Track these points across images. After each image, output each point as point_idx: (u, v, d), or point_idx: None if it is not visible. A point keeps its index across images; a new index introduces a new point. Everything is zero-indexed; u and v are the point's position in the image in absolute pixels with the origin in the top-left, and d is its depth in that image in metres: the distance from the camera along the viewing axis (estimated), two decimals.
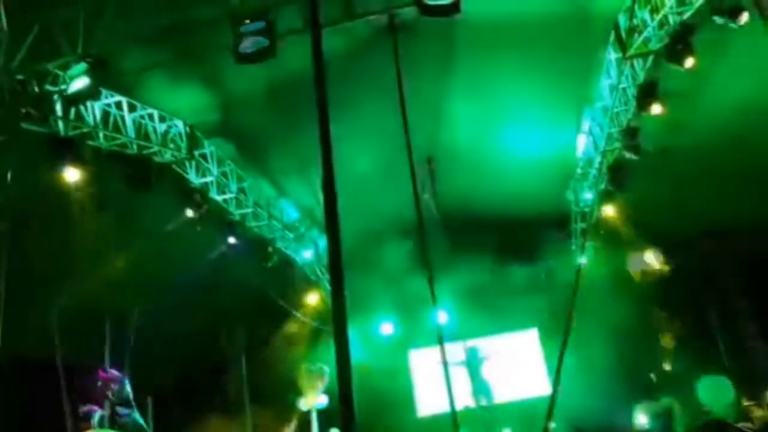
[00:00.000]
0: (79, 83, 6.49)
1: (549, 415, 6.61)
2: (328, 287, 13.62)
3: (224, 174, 10.11)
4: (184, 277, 10.89)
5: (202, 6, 6.76)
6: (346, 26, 6.78)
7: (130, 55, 7.12)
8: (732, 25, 7.10)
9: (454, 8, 6.27)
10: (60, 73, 6.85)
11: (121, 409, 7.83)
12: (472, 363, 11.91)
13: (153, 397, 9.41)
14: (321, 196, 2.36)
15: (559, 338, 13.95)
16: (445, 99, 9.83)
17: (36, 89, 6.87)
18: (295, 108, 7.25)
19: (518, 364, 14.41)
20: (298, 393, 10.99)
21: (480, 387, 11.78)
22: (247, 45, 6.14)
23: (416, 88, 7.43)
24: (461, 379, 11.65)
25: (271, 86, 8.29)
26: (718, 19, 7.14)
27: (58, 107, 7.24)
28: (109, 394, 7.81)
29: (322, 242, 13.06)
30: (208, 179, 9.75)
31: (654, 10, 7.75)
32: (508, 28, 8.28)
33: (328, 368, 10.53)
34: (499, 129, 10.73)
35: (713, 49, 8.02)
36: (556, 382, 7.40)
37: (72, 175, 7.22)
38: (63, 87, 6.81)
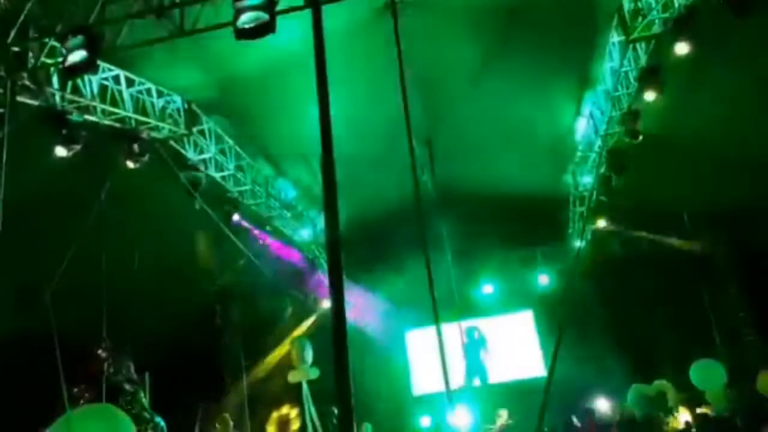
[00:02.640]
0: (76, 56, 6.40)
1: (545, 397, 6.67)
2: (325, 266, 13.68)
3: (222, 151, 10.06)
4: (179, 252, 10.91)
5: None
6: (346, 4, 6.67)
7: (129, 30, 7.03)
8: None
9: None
10: (56, 45, 6.77)
11: (123, 384, 7.89)
12: (472, 344, 11.99)
13: (151, 373, 9.50)
14: (320, 176, 2.35)
15: (554, 320, 14.12)
16: (445, 79, 9.75)
17: (32, 61, 6.79)
18: (295, 86, 7.19)
19: (513, 345, 14.52)
20: (290, 366, 11.15)
21: (476, 368, 11.88)
22: (246, 20, 6.05)
23: (416, 67, 7.36)
24: (457, 360, 11.75)
25: (271, 64, 8.21)
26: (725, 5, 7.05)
27: (55, 80, 7.17)
28: (106, 370, 7.87)
29: (320, 221, 13.07)
30: (206, 156, 9.71)
31: None
32: (510, 10, 8.19)
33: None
34: (498, 111, 10.67)
35: (716, 34, 7.95)
36: (552, 365, 7.45)
37: (63, 151, 7.15)
38: (59, 59, 6.74)
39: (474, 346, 12.10)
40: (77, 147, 7.18)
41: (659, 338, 12.80)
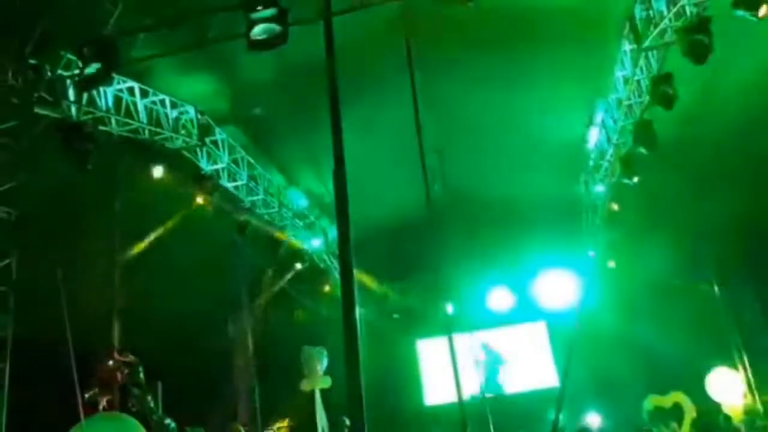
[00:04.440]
0: (92, 68, 6.51)
1: (558, 408, 6.61)
2: (337, 276, 13.70)
3: (235, 161, 10.13)
4: (193, 261, 10.96)
5: None
6: (358, 16, 6.72)
7: (143, 42, 7.13)
8: (752, 17, 6.96)
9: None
10: (72, 57, 6.87)
11: (135, 391, 7.94)
12: (490, 362, 11.93)
13: (163, 383, 9.55)
14: (331, 186, 2.36)
15: (568, 330, 14.01)
16: (457, 90, 9.77)
17: (49, 74, 6.90)
18: (306, 97, 7.24)
19: (527, 355, 14.43)
20: (302, 374, 11.13)
21: (492, 384, 11.80)
22: (259, 31, 6.12)
23: (427, 79, 7.38)
24: (469, 371, 11.70)
25: (283, 75, 8.28)
26: (738, 12, 7.01)
27: (71, 92, 7.27)
28: (120, 377, 7.91)
29: (332, 231, 13.11)
30: (219, 166, 9.78)
31: (671, 1, 7.64)
32: (522, 20, 8.20)
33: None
34: (511, 120, 10.67)
35: (729, 41, 7.90)
36: (564, 376, 7.39)
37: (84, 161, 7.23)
38: (76, 71, 6.84)
39: (490, 361, 12.04)
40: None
41: (674, 347, 12.65)
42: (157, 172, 8.51)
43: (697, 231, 12.64)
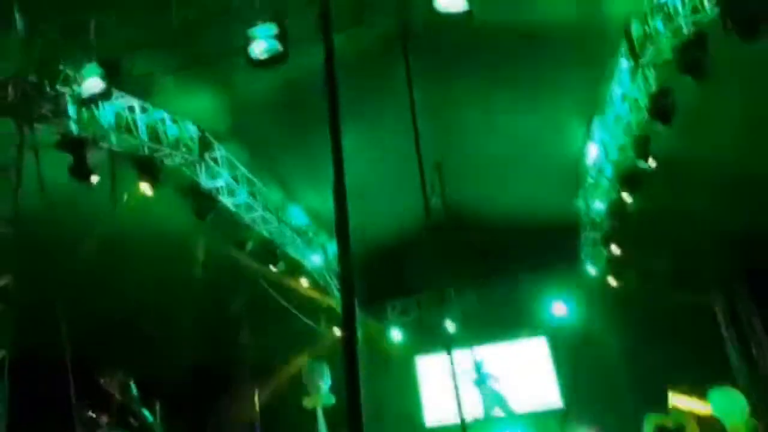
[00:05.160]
0: (92, 86, 6.54)
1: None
2: (337, 293, 13.64)
3: (235, 178, 10.14)
4: (190, 278, 10.93)
5: (214, 10, 6.79)
6: (357, 33, 6.78)
7: (143, 58, 7.17)
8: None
9: (467, 17, 6.28)
10: (72, 73, 6.90)
11: (134, 407, 7.87)
12: (480, 376, 11.82)
13: (161, 400, 9.47)
14: (331, 202, 2.34)
15: (569, 346, 13.95)
16: (454, 105, 9.82)
17: (49, 90, 6.92)
18: (306, 113, 7.26)
19: (526, 373, 14.32)
20: (304, 392, 11.02)
21: (493, 398, 11.67)
22: (259, 50, 6.16)
23: (426, 93, 7.42)
24: (471, 389, 11.61)
25: (283, 91, 8.32)
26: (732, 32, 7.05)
27: (72, 108, 7.29)
28: (117, 394, 7.85)
29: (331, 247, 13.08)
30: (219, 183, 9.78)
31: (667, 18, 7.70)
32: (519, 36, 8.26)
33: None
34: (509, 135, 10.70)
35: (728, 59, 7.95)
36: (568, 397, 7.33)
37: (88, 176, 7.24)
38: (75, 87, 6.87)
39: (484, 379, 11.91)
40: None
41: (675, 365, 12.57)
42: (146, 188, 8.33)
43: (697, 248, 12.64)
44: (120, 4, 6.58)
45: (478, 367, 11.79)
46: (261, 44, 6.18)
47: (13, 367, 6.77)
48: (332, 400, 10.64)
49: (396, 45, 7.28)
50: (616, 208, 11.20)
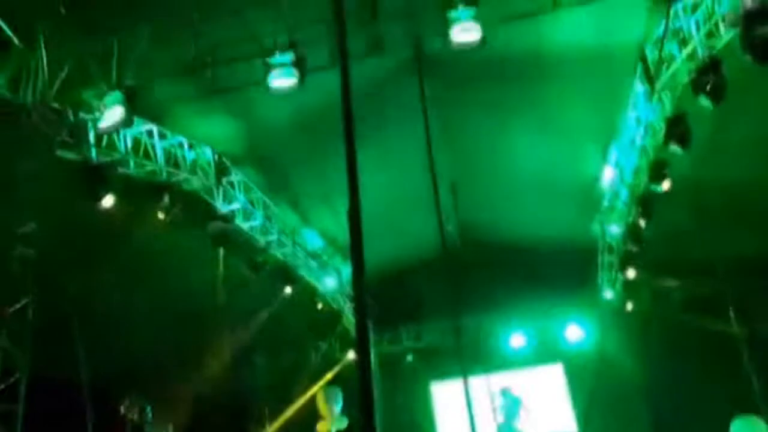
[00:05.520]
0: (114, 115, 6.68)
1: None
2: (350, 317, 13.60)
3: (251, 202, 10.22)
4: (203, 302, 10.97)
5: (231, 39, 6.93)
6: (373, 59, 6.87)
7: (161, 85, 7.32)
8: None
9: (481, 44, 6.37)
10: (94, 101, 7.04)
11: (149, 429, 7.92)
12: (509, 408, 11.67)
13: (176, 426, 9.49)
14: (346, 226, 2.36)
15: (585, 372, 13.72)
16: (470, 128, 9.86)
17: (71, 118, 7.07)
18: (321, 137, 7.34)
19: (543, 399, 14.11)
20: (318, 415, 10.95)
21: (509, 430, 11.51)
22: (277, 77, 6.28)
23: (441, 118, 7.47)
24: (486, 418, 11.43)
25: (298, 116, 8.42)
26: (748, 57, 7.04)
27: (91, 135, 7.42)
28: (134, 419, 7.89)
29: (345, 270, 13.07)
30: (235, 207, 9.86)
31: (682, 43, 7.71)
32: (534, 60, 8.31)
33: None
34: (524, 159, 10.71)
35: (743, 83, 7.92)
36: (584, 424, 7.21)
37: (106, 202, 7.33)
38: (97, 115, 7.00)
39: (514, 411, 11.74)
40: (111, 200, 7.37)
41: (695, 393, 12.30)
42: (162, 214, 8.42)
43: (715, 272, 12.46)
44: (141, 32, 6.73)
45: (508, 397, 11.65)
46: (278, 71, 6.30)
47: (29, 388, 6.82)
48: (345, 423, 10.58)
49: (412, 70, 7.36)
50: (633, 231, 11.10)
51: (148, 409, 8.46)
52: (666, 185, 9.27)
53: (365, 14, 6.42)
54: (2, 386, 6.84)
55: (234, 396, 13.46)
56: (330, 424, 10.68)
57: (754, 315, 13.27)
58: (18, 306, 7.47)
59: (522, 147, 10.38)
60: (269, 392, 13.52)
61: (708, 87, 7.48)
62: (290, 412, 13.99)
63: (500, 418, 11.20)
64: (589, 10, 7.32)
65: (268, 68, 6.39)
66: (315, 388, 13.03)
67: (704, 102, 7.57)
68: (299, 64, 6.28)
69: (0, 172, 6.91)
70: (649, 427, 12.09)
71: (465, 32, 6.40)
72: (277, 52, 6.42)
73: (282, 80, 6.30)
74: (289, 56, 6.37)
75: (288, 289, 11.73)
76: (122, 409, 7.90)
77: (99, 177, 7.26)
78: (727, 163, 9.70)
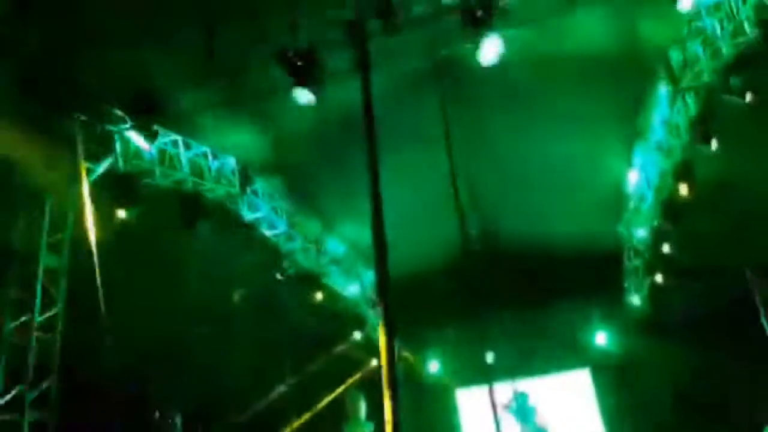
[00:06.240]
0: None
1: None
2: (374, 322, 13.60)
3: (274, 209, 10.32)
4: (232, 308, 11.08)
5: (253, 49, 7.03)
6: (394, 65, 6.91)
7: (185, 94, 7.45)
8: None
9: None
10: (120, 113, 7.20)
11: None
12: (522, 410, 11.56)
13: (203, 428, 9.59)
14: (368, 232, 2.38)
15: (613, 378, 13.54)
16: (493, 135, 9.82)
17: (98, 129, 7.24)
18: (344, 145, 7.39)
19: (570, 406, 13.94)
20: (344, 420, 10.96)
21: None
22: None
23: (462, 123, 7.46)
24: (513, 425, 11.32)
25: (321, 124, 8.49)
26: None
27: (118, 145, 7.58)
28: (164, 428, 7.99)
29: (368, 276, 13.09)
30: (259, 215, 9.96)
31: (707, 42, 7.62)
32: (557, 65, 8.27)
33: None
34: (548, 163, 10.63)
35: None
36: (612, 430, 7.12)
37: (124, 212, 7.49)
38: (123, 126, 7.16)
39: (527, 412, 11.63)
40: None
41: (727, 400, 12.05)
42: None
43: (742, 272, 12.24)
44: (164, 42, 6.86)
45: (521, 401, 11.55)
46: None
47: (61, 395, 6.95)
48: (371, 428, 10.59)
49: (432, 77, 7.38)
50: (659, 235, 10.95)
51: (179, 417, 8.56)
52: (690, 188, 9.15)
53: (386, 23, 6.46)
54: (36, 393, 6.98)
55: (264, 402, 13.52)
56: (356, 429, 10.70)
57: None
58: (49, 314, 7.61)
59: (546, 150, 10.30)
60: (294, 396, 13.54)
61: (735, 86, 7.40)
62: (310, 415, 13.97)
63: (512, 422, 11.10)
64: (608, 12, 7.29)
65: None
66: (338, 392, 13.03)
67: (730, 102, 7.48)
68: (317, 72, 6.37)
69: None
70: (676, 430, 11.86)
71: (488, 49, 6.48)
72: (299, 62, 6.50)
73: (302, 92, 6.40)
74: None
75: (319, 296, 11.79)
76: (156, 417, 8.01)
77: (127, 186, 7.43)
78: (756, 163, 9.53)
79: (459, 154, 6.60)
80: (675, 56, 8.14)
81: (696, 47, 7.75)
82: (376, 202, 2.28)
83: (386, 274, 2.12)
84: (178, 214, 8.47)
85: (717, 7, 7.39)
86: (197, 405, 9.65)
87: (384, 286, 2.09)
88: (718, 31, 7.44)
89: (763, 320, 12.50)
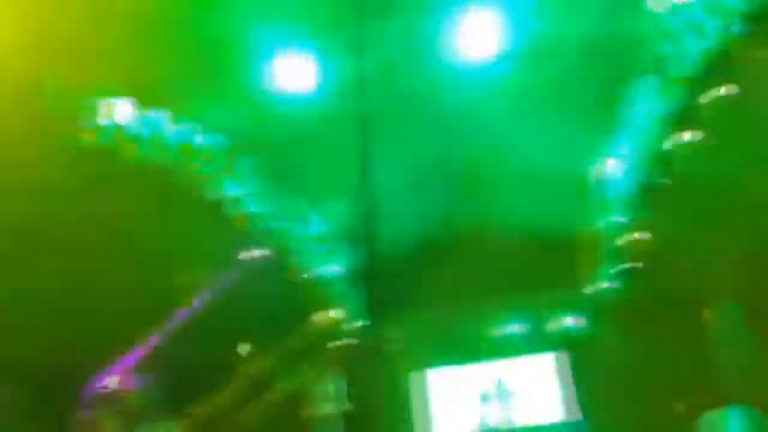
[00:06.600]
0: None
1: None
2: (353, 302, 13.65)
3: (258, 187, 10.27)
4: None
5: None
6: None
7: (170, 70, 7.36)
8: None
9: None
10: None
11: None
12: (500, 393, 11.76)
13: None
14: (354, 212, 2.43)
15: (587, 360, 13.83)
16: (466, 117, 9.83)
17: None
18: (332, 123, 7.38)
19: (536, 388, 14.21)
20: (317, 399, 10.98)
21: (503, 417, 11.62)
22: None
23: None
24: (482, 406, 11.47)
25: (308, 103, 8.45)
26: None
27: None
28: (121, 403, 7.65)
29: (349, 256, 13.10)
30: (243, 191, 9.91)
31: (694, 33, 7.69)
32: (539, 51, 8.30)
33: None
34: (524, 150, 10.69)
35: (756, 74, 7.90)
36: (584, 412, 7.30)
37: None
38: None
39: (505, 399, 11.82)
40: None
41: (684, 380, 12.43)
42: None
43: (714, 266, 12.52)
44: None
45: (499, 385, 11.74)
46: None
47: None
48: (346, 406, 10.67)
49: None
50: (635, 223, 11.13)
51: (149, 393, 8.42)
52: (670, 178, 9.31)
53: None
54: None
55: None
56: (328, 407, 10.73)
57: (755, 300, 13.28)
58: None
59: (522, 137, 10.34)
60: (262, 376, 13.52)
61: (720, 78, 7.50)
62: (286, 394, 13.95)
63: (492, 409, 11.29)
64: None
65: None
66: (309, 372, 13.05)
67: (714, 93, 7.59)
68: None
69: None
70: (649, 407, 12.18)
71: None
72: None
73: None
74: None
75: (296, 274, 11.78)
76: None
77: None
78: (737, 157, 9.68)
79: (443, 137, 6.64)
80: (659, 47, 8.20)
81: (683, 38, 7.81)
82: (362, 183, 2.33)
83: (367, 253, 2.17)
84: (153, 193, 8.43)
85: None
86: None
87: (364, 266, 2.13)
88: (707, 22, 7.50)
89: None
